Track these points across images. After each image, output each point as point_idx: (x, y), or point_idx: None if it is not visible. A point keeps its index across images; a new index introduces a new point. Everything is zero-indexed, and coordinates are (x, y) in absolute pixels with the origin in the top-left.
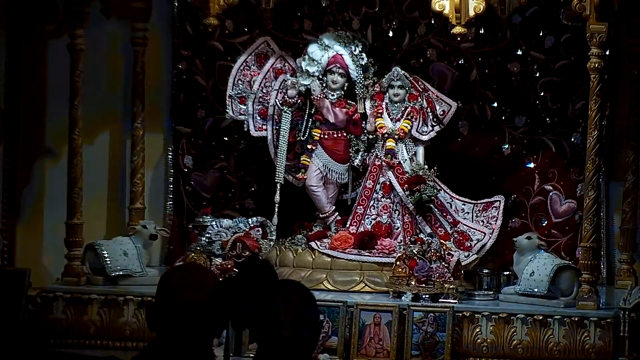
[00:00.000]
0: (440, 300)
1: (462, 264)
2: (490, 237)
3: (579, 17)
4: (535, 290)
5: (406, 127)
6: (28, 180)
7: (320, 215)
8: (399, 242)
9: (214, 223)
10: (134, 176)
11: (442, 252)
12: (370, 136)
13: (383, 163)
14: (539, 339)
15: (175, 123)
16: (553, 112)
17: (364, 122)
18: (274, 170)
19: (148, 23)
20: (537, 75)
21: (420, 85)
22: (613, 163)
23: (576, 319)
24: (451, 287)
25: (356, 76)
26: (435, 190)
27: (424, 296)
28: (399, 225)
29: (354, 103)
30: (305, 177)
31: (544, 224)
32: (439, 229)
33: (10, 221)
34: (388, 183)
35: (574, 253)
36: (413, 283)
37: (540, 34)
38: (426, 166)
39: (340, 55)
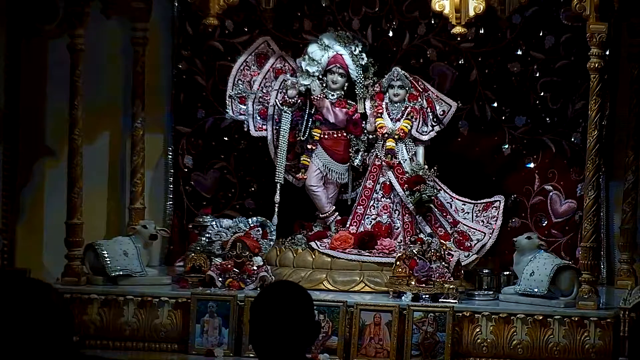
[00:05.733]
0: (440, 300)
1: (462, 264)
2: (490, 237)
3: (579, 17)
4: (535, 290)
5: (406, 127)
6: (28, 180)
7: (320, 215)
8: (399, 242)
9: (214, 223)
10: (134, 176)
11: (442, 252)
12: (370, 136)
13: (383, 163)
14: (539, 339)
15: (175, 123)
16: (553, 112)
17: (364, 122)
18: (274, 170)
19: (148, 23)
20: (537, 75)
21: (420, 85)
22: (613, 163)
23: (576, 319)
24: (451, 287)
25: (356, 76)
26: (435, 190)
27: (424, 296)
28: (399, 225)
29: (354, 103)
30: (305, 177)
31: (544, 224)
32: (439, 229)
33: (10, 221)
34: (388, 183)
35: (574, 253)
36: (413, 283)
37: (540, 34)
38: (426, 166)
39: (340, 55)
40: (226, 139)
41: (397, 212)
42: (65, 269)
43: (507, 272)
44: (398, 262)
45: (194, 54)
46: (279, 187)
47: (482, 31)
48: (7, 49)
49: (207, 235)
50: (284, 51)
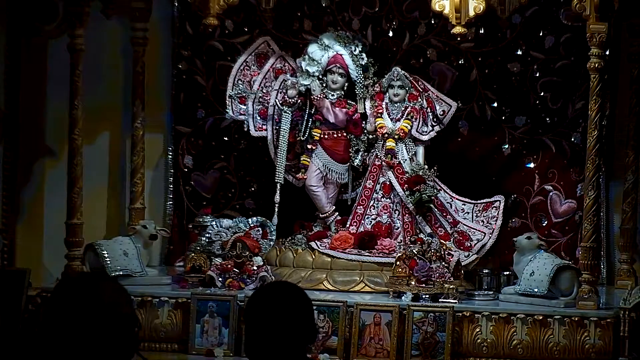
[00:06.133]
0: (440, 300)
1: (462, 264)
2: (490, 237)
3: (579, 17)
4: (535, 290)
5: (406, 127)
6: (28, 180)
7: (320, 215)
8: (399, 242)
9: (214, 223)
10: (134, 176)
11: (442, 252)
12: (370, 136)
13: (383, 163)
14: (539, 339)
15: (175, 123)
16: (553, 112)
17: (364, 122)
18: (274, 170)
19: (148, 23)
20: (537, 75)
21: (420, 85)
22: (613, 163)
23: (576, 319)
24: (451, 287)
25: (356, 76)
26: (435, 190)
27: (424, 296)
28: (399, 225)
29: (354, 103)
30: (305, 177)
31: (544, 224)
32: (439, 229)
33: (10, 221)
34: (388, 183)
35: (574, 253)
36: (413, 283)
37: (540, 34)
38: (426, 166)
39: (340, 55)
40: (226, 139)
41: (397, 212)
42: (65, 269)
43: (507, 272)
44: (398, 262)
45: (194, 54)
46: (279, 187)
47: (482, 31)
48: (7, 49)
49: (207, 235)
50: (284, 51)
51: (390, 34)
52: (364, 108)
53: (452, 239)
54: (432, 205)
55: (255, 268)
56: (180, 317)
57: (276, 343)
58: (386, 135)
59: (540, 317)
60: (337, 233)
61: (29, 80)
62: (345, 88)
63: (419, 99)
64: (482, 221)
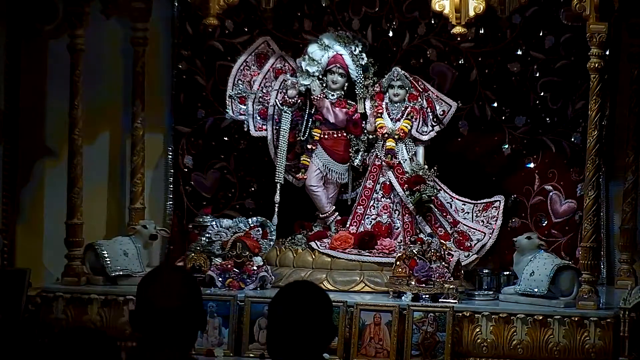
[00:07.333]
0: (440, 300)
1: (462, 264)
2: (490, 237)
3: (579, 17)
4: (535, 290)
5: (406, 127)
6: (28, 180)
7: (320, 215)
8: (399, 242)
9: (214, 223)
10: (134, 176)
11: (442, 252)
12: (370, 136)
13: (383, 163)
14: (539, 339)
15: (175, 123)
16: (553, 112)
17: (364, 122)
18: (274, 170)
19: (148, 23)
20: (537, 75)
21: (420, 85)
22: (613, 163)
23: (576, 319)
24: (451, 287)
25: (356, 76)
26: (435, 190)
27: (424, 296)
28: (399, 225)
29: (354, 103)
30: (305, 177)
31: (544, 224)
32: (439, 229)
33: (10, 221)
34: (388, 183)
35: (574, 253)
36: (413, 283)
37: (540, 34)
38: (426, 166)
39: (340, 55)
40: (226, 139)
41: (397, 212)
42: (65, 269)
43: (507, 272)
44: (398, 262)
45: (194, 54)
46: (279, 187)
47: (482, 31)
48: (7, 49)
49: (207, 235)
50: (284, 51)
51: (390, 34)
52: (364, 108)
53: (452, 239)
54: (432, 205)
55: (255, 268)
56: None
57: (301, 343)
58: (386, 135)
59: (540, 317)
60: (337, 233)
61: (29, 80)
62: (345, 88)
63: (419, 99)
64: (482, 221)
